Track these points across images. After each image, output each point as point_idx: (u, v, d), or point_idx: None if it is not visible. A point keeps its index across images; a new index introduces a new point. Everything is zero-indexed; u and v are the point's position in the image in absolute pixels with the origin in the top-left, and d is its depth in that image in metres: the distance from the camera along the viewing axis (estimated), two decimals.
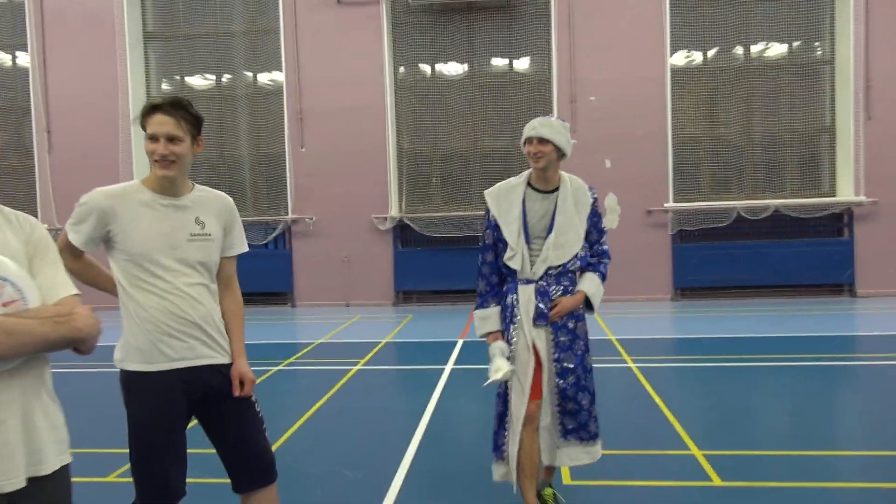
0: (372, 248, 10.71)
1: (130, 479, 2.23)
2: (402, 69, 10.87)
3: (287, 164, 10.77)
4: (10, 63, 11.30)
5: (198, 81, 11.28)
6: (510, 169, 10.69)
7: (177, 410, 2.22)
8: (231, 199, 2.44)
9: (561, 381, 2.89)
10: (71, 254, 2.25)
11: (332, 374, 5.99)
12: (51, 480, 1.62)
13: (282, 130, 10.80)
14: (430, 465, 3.87)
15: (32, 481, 1.57)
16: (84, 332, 1.60)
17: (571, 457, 2.98)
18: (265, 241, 10.77)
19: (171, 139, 2.17)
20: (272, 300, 10.88)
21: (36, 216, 10.81)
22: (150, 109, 2.20)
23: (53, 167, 10.79)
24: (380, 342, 7.60)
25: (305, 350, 7.25)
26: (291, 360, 6.74)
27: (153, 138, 2.18)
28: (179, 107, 2.20)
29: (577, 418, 2.93)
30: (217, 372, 2.28)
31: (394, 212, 10.67)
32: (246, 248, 2.47)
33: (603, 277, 3.03)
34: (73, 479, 1.70)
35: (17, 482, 1.53)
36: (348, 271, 10.71)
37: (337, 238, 10.70)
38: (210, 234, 2.29)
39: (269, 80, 11.10)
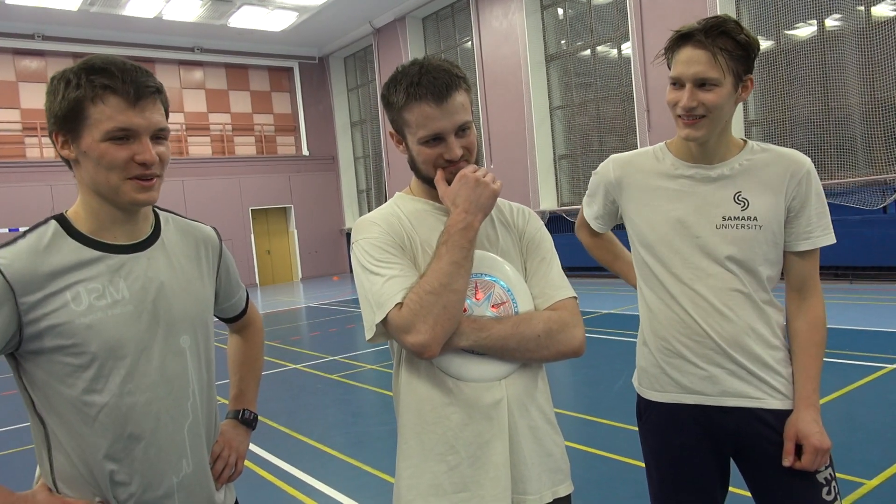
0: None
1: None
2: None
3: None
4: (615, 54, 12.42)
5: (796, 32, 10.08)
6: None
7: (695, 459, 1.64)
8: (807, 163, 1.60)
9: None
10: (587, 228, 1.93)
11: None
12: None
13: None
14: None
15: None
16: (569, 353, 1.35)
17: None
18: (882, 205, 8.90)
19: (702, 84, 1.50)
20: (888, 277, 8.95)
21: None
22: (677, 41, 1.54)
23: (651, 143, 11.32)
24: None
25: None
26: None
27: (676, 83, 1.54)
28: (719, 33, 1.49)
29: None
30: (758, 420, 1.58)
31: None
32: (829, 240, 1.61)
33: None
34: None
35: None
36: None
37: None
38: (755, 218, 1.57)
39: (892, 8, 9.01)
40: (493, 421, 1.32)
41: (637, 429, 1.77)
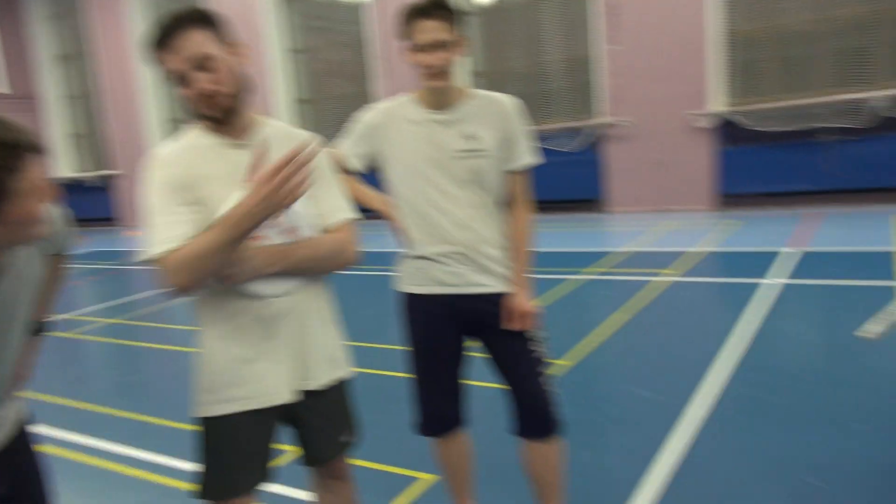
0: (692, 148, 9.75)
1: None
2: None
3: (597, 65, 10.25)
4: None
5: None
6: (870, 44, 8.67)
7: (445, 336, 2.15)
8: (512, 103, 2.11)
9: None
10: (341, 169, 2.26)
11: (643, 286, 5.64)
12: (323, 395, 1.71)
13: (592, 29, 10.24)
14: (740, 391, 3.41)
15: (307, 394, 1.69)
16: (348, 265, 1.68)
17: None
18: (573, 147, 10.52)
19: (441, 46, 1.93)
20: (581, 207, 10.70)
21: None
22: (415, 14, 1.94)
23: (388, 89, 11.89)
24: (701, 251, 6.94)
25: (615, 259, 6.96)
26: (601, 269, 6.53)
27: (419, 48, 1.95)
28: (446, 5, 1.94)
29: None
30: (492, 302, 2.10)
31: (716, 106, 9.50)
32: (533, 160, 2.14)
33: None
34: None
35: (286, 396, 1.65)
36: (665, 175, 9.96)
37: (652, 140, 9.96)
38: (483, 150, 2.03)
39: None
40: (282, 325, 1.61)
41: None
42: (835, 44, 8.91)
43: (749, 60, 9.47)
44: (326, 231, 1.68)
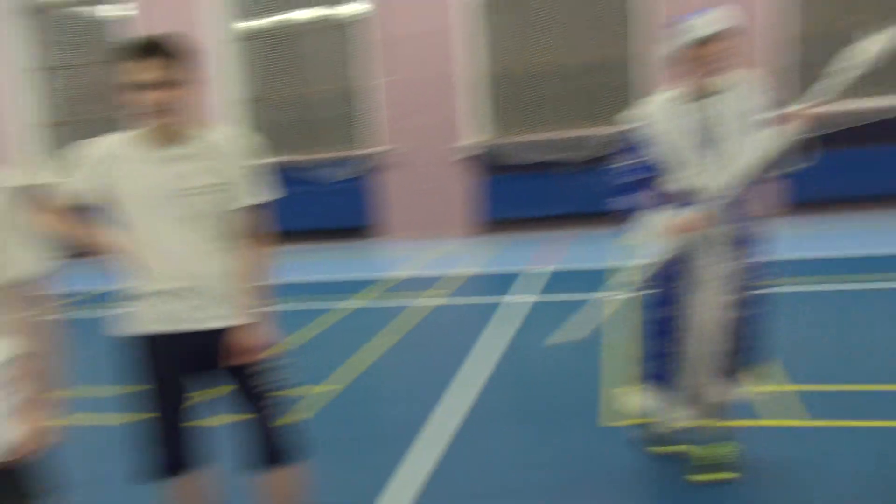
0: (458, 177, 10.46)
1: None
2: None
3: (371, 95, 10.62)
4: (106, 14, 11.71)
5: (268, 21, 11.17)
6: (600, 86, 10.03)
7: (175, 374, 2.15)
8: (239, 141, 2.15)
9: None
10: (60, 209, 2.16)
11: (409, 310, 5.94)
12: None
13: (362, 62, 10.60)
14: (490, 401, 3.76)
15: None
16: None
17: None
18: (343, 177, 10.68)
19: (169, 84, 1.94)
20: (352, 235, 10.91)
21: None
22: (141, 52, 1.94)
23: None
24: (464, 274, 7.47)
25: (385, 285, 7.24)
26: (371, 295, 6.75)
27: (140, 86, 1.95)
28: (173, 45, 1.96)
29: None
30: (221, 337, 2.12)
31: (478, 138, 10.33)
32: (262, 198, 2.18)
33: None
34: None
35: None
36: (434, 203, 10.55)
37: (422, 169, 10.50)
38: (212, 185, 2.06)
39: (349, 12, 10.82)
40: None
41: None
42: (575, 84, 10.18)
43: (509, 96, 10.45)
44: (11, 285, 1.59)
